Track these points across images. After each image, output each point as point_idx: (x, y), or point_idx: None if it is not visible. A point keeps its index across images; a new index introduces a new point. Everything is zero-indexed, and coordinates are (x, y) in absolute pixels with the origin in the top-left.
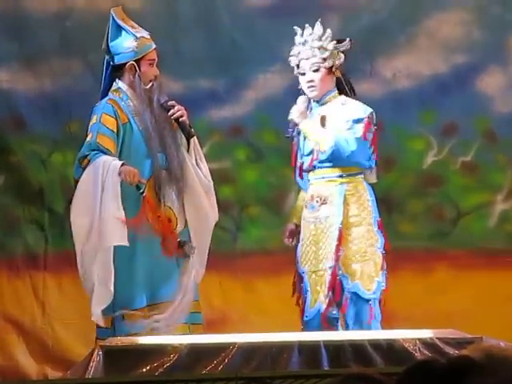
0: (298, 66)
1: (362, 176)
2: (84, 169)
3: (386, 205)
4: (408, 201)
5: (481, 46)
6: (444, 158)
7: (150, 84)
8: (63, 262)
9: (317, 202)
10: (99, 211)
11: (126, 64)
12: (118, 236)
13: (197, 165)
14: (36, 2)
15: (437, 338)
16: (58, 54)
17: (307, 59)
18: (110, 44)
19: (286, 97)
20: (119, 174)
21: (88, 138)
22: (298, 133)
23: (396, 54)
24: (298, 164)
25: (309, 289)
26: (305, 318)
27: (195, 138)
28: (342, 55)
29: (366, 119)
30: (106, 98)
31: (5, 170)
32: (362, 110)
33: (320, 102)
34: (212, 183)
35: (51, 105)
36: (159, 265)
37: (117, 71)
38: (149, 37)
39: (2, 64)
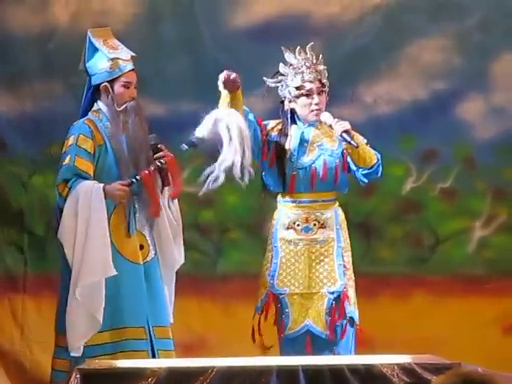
0: (298, 87)
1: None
2: (66, 198)
3: (365, 230)
4: (387, 226)
5: (461, 73)
6: (423, 184)
7: (124, 106)
8: (42, 285)
9: (314, 224)
10: (85, 240)
11: (101, 85)
12: (107, 267)
13: (168, 207)
14: (18, 23)
15: (415, 364)
16: (40, 75)
17: (311, 82)
18: (87, 64)
19: (268, 120)
20: (105, 195)
21: (66, 161)
22: (286, 135)
23: (377, 80)
24: (289, 173)
25: (288, 310)
26: (282, 339)
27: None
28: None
29: None
30: (84, 118)
31: None
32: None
33: (314, 124)
34: (181, 227)
35: (32, 126)
36: (128, 289)
37: (96, 92)
38: (126, 58)
39: None
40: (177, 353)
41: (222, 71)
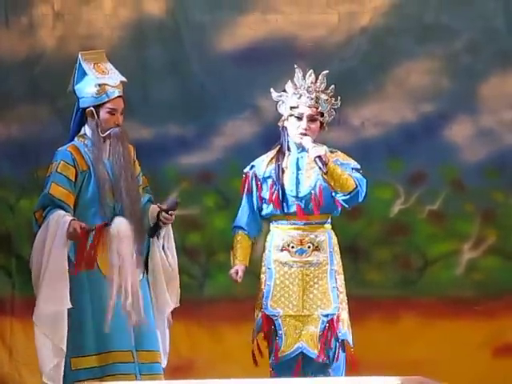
0: (292, 107)
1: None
2: (40, 225)
3: (353, 253)
4: (375, 249)
5: (449, 95)
6: (411, 207)
7: (108, 132)
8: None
9: (309, 247)
10: (45, 271)
11: (87, 109)
12: (62, 299)
13: (164, 252)
14: (5, 47)
15: None
16: (26, 99)
17: (309, 107)
18: (75, 87)
19: (256, 144)
20: (68, 227)
21: (45, 190)
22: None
23: (364, 103)
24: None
25: (282, 331)
26: (272, 361)
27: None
28: (332, 112)
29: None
30: (68, 145)
31: None
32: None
33: (302, 150)
34: (176, 272)
35: (19, 150)
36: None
37: (84, 115)
38: (114, 84)
39: None
40: (164, 375)
41: (209, 95)
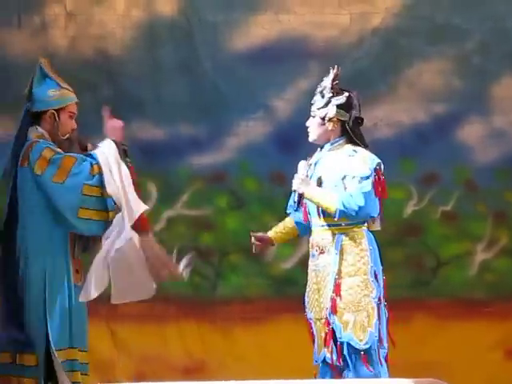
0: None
1: (365, 224)
2: (100, 174)
3: None
4: (388, 250)
5: (461, 96)
6: (424, 208)
7: (67, 136)
8: None
9: (316, 250)
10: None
11: (45, 112)
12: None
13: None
14: (18, 48)
15: None
16: None
17: (313, 104)
18: (34, 90)
19: (268, 144)
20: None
21: (72, 161)
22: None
23: (377, 103)
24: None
25: (316, 335)
26: (314, 363)
27: None
28: (334, 108)
29: (374, 173)
30: (37, 140)
31: None
32: (369, 164)
33: (324, 148)
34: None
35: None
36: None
37: (35, 118)
38: (71, 90)
39: None
40: (176, 376)
41: (221, 95)
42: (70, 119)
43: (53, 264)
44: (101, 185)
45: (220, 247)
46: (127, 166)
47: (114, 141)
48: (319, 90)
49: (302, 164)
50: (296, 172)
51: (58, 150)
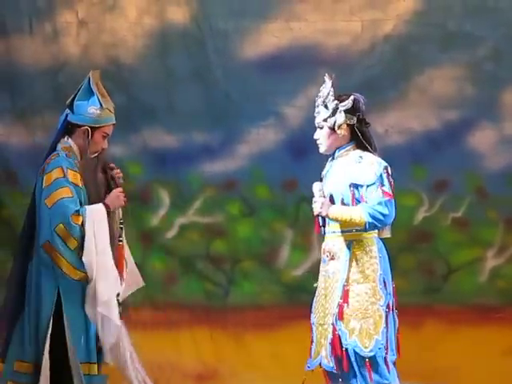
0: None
1: (375, 231)
2: (82, 225)
3: None
4: (399, 256)
5: (473, 103)
6: (435, 214)
7: (95, 155)
8: None
9: (327, 256)
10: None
11: (80, 126)
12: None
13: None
14: (29, 56)
15: None
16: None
17: (317, 115)
18: (76, 102)
19: (280, 151)
20: (108, 208)
21: (68, 194)
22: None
23: (388, 110)
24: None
25: (314, 340)
26: (306, 368)
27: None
28: (343, 114)
29: (384, 176)
30: (62, 153)
31: None
32: (376, 169)
33: (332, 157)
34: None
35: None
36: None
37: (70, 129)
38: (112, 110)
39: None
40: (189, 383)
41: (233, 103)
42: (103, 139)
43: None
44: (80, 241)
45: (232, 254)
46: (116, 244)
47: (107, 207)
48: (320, 101)
49: (316, 186)
50: (310, 187)
51: (69, 174)
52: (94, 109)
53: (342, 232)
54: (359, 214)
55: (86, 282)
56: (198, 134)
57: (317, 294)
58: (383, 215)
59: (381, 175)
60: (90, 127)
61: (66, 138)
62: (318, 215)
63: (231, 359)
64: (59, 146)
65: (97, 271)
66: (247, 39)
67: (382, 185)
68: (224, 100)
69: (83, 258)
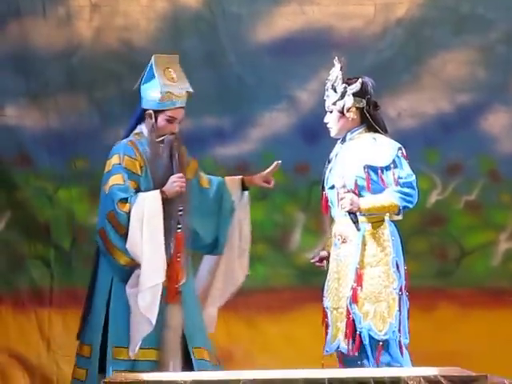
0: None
1: (387, 214)
2: (128, 213)
3: None
4: (412, 239)
5: (485, 86)
6: (448, 197)
7: (161, 138)
8: (69, 299)
9: (338, 240)
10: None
11: (146, 110)
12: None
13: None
14: (43, 39)
15: (441, 376)
16: (65, 90)
17: (327, 98)
18: (142, 86)
19: (292, 135)
20: (163, 192)
21: (119, 181)
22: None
23: (401, 93)
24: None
25: (330, 324)
26: (325, 353)
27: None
28: (351, 97)
29: (401, 156)
30: (127, 140)
31: (11, 206)
32: (391, 151)
33: (342, 140)
34: (247, 248)
35: (57, 141)
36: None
37: (142, 114)
38: (179, 94)
39: (9, 100)
40: None
41: (245, 86)
42: (168, 123)
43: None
44: (125, 227)
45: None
46: (174, 231)
47: (163, 194)
48: (329, 84)
49: (338, 182)
50: (322, 171)
51: (125, 161)
52: (154, 92)
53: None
54: (390, 200)
55: (133, 267)
56: (210, 118)
57: (328, 277)
58: (411, 196)
59: (397, 156)
60: (153, 111)
61: (140, 125)
62: (349, 212)
63: (244, 342)
64: (132, 133)
65: (141, 259)
66: (260, 23)
67: (401, 166)
68: (236, 84)
69: (126, 245)
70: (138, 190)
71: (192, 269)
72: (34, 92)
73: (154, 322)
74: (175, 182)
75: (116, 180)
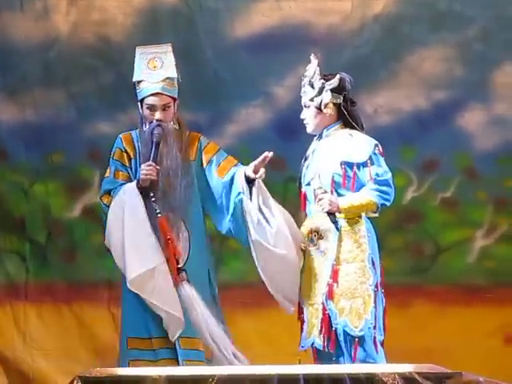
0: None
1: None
2: (109, 205)
3: None
4: (387, 236)
5: (462, 83)
6: (424, 194)
7: (147, 127)
8: (44, 292)
9: (315, 236)
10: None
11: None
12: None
13: (260, 211)
14: (20, 33)
15: (416, 373)
16: (41, 84)
17: (303, 94)
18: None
19: (268, 131)
20: (139, 182)
21: (107, 174)
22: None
23: (377, 90)
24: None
25: (306, 320)
26: (300, 349)
27: (259, 181)
28: (329, 93)
29: (378, 153)
30: (127, 132)
31: None
32: (367, 147)
33: (319, 137)
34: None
35: (33, 135)
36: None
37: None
38: (155, 81)
39: None
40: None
41: (222, 82)
42: (150, 111)
43: None
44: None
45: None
46: (155, 217)
47: (140, 186)
48: (306, 80)
49: (315, 184)
50: (298, 167)
51: (116, 154)
52: (136, 82)
53: (330, 212)
54: (368, 198)
55: None
56: (186, 114)
57: (304, 273)
58: (388, 193)
59: (374, 153)
60: (140, 102)
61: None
62: (328, 213)
63: None
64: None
65: (126, 249)
66: (237, 18)
67: (378, 163)
68: (213, 79)
69: (105, 240)
70: (130, 181)
71: (200, 245)
72: (10, 86)
73: (179, 315)
74: (142, 170)
75: (107, 172)
